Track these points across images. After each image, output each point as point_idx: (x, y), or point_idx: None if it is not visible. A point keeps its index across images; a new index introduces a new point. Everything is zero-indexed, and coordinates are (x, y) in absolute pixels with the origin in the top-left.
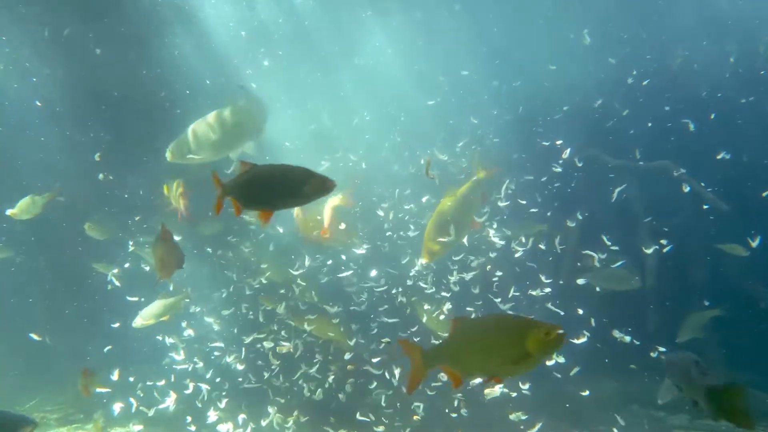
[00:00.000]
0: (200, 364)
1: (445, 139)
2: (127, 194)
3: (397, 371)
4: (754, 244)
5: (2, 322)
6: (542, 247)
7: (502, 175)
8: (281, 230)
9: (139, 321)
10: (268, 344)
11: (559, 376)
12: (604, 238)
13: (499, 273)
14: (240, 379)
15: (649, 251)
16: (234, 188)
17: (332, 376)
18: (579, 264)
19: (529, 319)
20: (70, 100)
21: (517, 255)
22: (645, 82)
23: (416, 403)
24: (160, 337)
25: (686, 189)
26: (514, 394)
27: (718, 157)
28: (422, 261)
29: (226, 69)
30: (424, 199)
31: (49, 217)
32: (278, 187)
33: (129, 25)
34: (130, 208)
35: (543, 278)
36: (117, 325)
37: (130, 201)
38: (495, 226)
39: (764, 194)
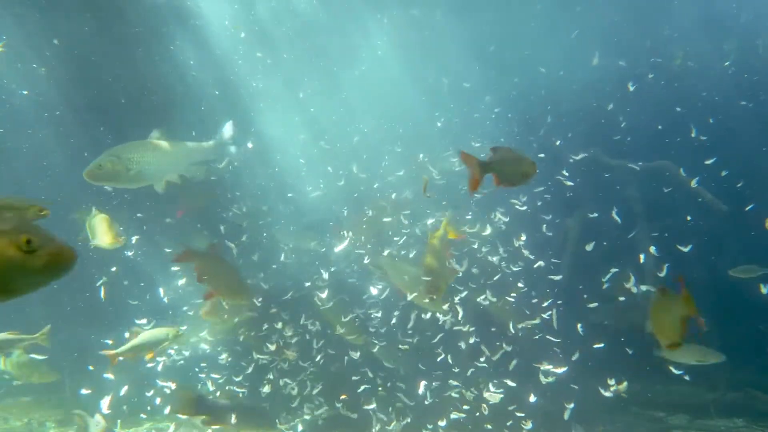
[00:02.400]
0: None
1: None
2: (128, 195)
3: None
4: (765, 290)
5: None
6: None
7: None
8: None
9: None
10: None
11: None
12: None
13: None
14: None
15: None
16: (493, 166)
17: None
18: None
19: None
20: (67, 99)
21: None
22: (633, 87)
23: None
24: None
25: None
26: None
27: (708, 162)
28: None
29: (227, 72)
30: (430, 222)
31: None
32: (514, 166)
33: (128, 25)
34: (131, 205)
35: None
36: (110, 341)
37: (132, 199)
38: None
39: (748, 208)
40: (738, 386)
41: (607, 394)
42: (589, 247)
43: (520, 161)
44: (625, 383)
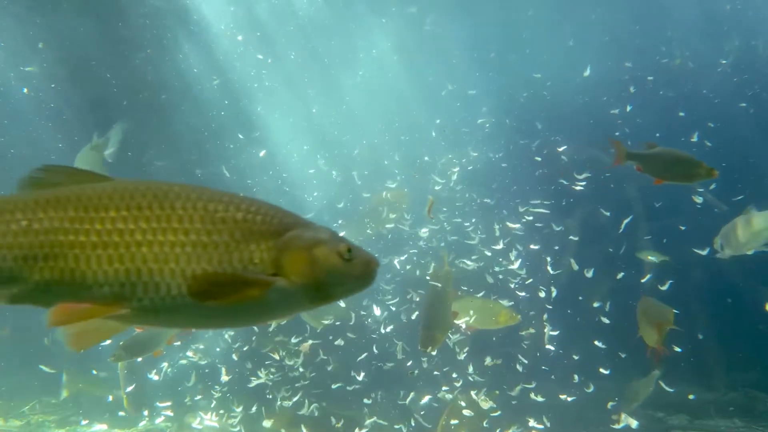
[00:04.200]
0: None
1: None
2: None
3: None
4: None
5: None
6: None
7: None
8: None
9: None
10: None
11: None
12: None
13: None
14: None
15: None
16: (640, 157)
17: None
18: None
19: None
20: (67, 99)
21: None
22: (632, 89)
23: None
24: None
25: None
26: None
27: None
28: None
29: (228, 73)
30: (423, 231)
31: None
32: (676, 166)
33: (129, 27)
34: None
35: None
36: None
37: None
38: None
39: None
40: (738, 386)
41: (615, 426)
42: (588, 274)
43: (687, 163)
44: (635, 423)
